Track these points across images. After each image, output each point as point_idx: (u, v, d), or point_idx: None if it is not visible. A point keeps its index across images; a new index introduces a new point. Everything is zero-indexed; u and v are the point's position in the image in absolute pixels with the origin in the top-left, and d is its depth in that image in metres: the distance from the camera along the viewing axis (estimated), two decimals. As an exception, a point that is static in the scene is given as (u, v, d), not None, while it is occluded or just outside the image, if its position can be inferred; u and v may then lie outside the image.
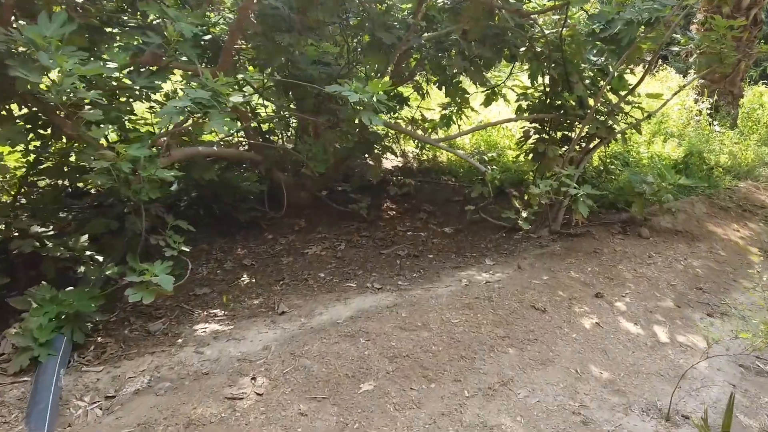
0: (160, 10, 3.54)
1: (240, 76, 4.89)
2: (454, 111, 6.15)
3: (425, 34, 4.78)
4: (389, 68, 4.85)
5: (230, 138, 5.29)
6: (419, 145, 7.20)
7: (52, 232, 3.90)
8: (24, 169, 4.16)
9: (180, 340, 3.40)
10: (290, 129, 5.78)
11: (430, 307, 3.73)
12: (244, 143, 5.24)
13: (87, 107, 3.19)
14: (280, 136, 5.59)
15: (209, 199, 5.20)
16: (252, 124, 5.18)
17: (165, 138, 3.49)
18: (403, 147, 8.09)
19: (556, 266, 4.48)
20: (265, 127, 5.46)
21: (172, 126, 3.42)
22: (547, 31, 4.93)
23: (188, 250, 3.78)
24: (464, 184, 6.45)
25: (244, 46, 4.98)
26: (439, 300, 3.84)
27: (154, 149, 3.39)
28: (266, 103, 5.62)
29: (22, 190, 4.24)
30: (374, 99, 3.71)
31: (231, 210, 5.19)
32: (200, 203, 5.49)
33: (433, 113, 7.85)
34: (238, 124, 3.34)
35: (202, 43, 4.69)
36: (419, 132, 6.07)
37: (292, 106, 5.27)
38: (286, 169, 5.48)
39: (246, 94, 4.54)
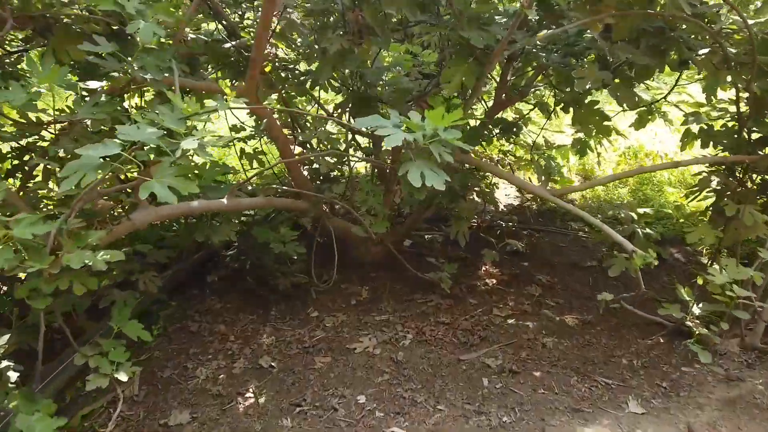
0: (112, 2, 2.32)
1: (274, 98, 3.61)
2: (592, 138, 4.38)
3: (542, 32, 3.14)
4: (483, 82, 3.26)
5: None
6: (540, 175, 5.39)
7: None
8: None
9: None
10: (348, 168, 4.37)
11: None
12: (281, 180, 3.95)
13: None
14: (337, 175, 4.20)
15: (243, 254, 4.00)
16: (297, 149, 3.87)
17: (85, 204, 2.25)
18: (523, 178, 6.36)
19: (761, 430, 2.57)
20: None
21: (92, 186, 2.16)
22: (751, 21, 3.01)
23: (132, 375, 2.52)
24: (602, 244, 4.59)
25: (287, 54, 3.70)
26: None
27: (74, 220, 2.16)
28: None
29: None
30: (437, 139, 2.19)
31: (268, 273, 3.92)
32: (233, 262, 4.32)
33: (558, 137, 6.07)
34: (196, 187, 1.97)
35: (230, 50, 3.47)
36: (528, 178, 4.37)
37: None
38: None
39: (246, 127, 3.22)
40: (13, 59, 3.68)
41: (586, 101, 3.45)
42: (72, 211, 2.08)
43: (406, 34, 4.14)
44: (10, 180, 3.61)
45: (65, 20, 2.83)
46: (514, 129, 4.05)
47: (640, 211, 3.68)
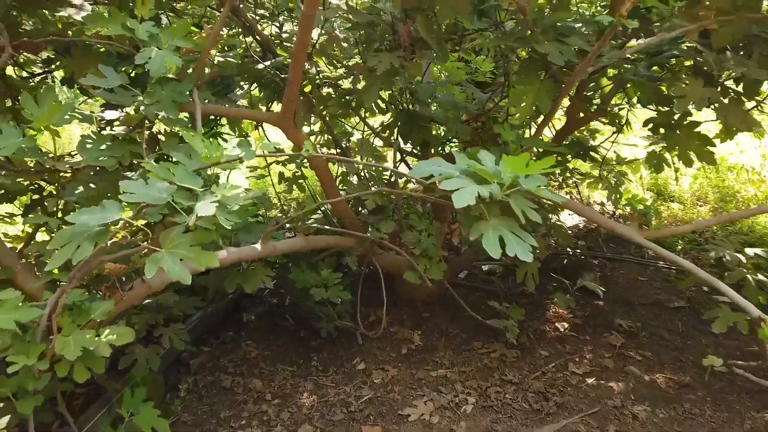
0: (117, 24, 1.92)
1: (314, 129, 3.18)
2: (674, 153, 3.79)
3: (633, 42, 2.59)
4: (559, 104, 2.73)
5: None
6: (610, 194, 4.74)
7: None
8: None
9: None
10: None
11: None
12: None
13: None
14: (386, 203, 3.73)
15: (281, 287, 3.60)
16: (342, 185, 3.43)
17: (84, 277, 1.86)
18: (588, 196, 5.77)
19: None
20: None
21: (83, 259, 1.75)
22: None
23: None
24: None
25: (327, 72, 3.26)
26: None
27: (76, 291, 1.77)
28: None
29: None
30: (517, 189, 1.71)
31: (308, 312, 3.51)
32: (271, 297, 3.94)
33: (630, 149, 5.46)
34: (217, 261, 1.55)
35: (265, 70, 3.06)
36: (601, 210, 3.81)
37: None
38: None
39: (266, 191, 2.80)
40: (35, 82, 3.41)
41: (685, 122, 2.87)
42: (63, 292, 1.68)
43: (460, 42, 3.66)
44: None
45: (86, 41, 2.49)
46: (591, 152, 3.48)
47: (750, 251, 3.06)
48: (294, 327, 3.69)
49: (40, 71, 3.43)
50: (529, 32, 2.50)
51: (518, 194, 1.73)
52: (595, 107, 3.37)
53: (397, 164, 3.92)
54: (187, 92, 2.08)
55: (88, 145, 2.02)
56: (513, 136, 2.58)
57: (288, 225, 3.39)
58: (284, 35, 3.31)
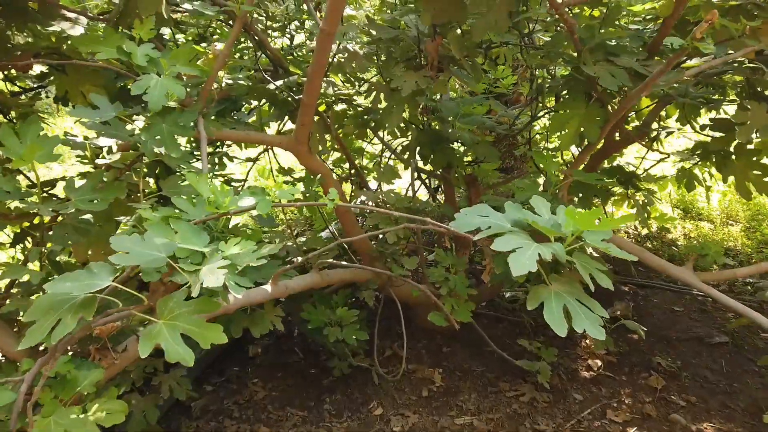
0: (111, 47, 1.65)
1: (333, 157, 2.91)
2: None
3: (693, 61, 2.30)
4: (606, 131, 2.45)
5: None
6: (638, 213, 4.36)
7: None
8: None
9: None
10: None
11: None
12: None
13: None
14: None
15: (290, 315, 3.33)
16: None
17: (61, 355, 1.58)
18: (613, 213, 5.46)
19: None
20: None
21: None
22: None
23: None
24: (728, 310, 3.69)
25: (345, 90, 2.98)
26: None
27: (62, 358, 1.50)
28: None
29: None
30: (579, 245, 1.44)
31: (320, 347, 3.24)
32: (281, 337, 3.67)
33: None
34: (223, 334, 1.28)
35: (282, 97, 2.80)
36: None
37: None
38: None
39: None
40: (28, 98, 3.17)
41: (743, 151, 2.59)
42: (41, 366, 1.41)
43: (485, 54, 3.39)
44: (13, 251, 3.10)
45: (79, 62, 2.23)
46: (633, 178, 3.20)
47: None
48: (304, 362, 3.42)
49: (32, 86, 3.18)
50: (577, 52, 2.22)
51: (584, 255, 1.45)
52: (634, 128, 3.10)
53: (413, 184, 3.65)
54: (192, 123, 1.81)
55: (78, 184, 1.75)
56: (555, 167, 2.30)
57: (299, 257, 3.11)
58: (297, 51, 3.04)
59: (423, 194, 4.74)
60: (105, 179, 1.77)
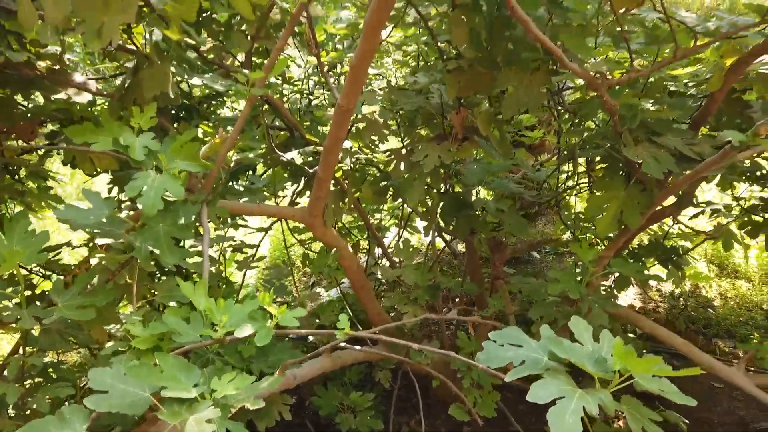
0: (107, 137, 1.51)
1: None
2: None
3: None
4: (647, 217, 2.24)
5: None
6: (671, 274, 4.06)
7: None
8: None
9: None
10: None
11: None
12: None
13: None
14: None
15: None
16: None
17: None
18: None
19: None
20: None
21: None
22: None
23: None
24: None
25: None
26: None
27: None
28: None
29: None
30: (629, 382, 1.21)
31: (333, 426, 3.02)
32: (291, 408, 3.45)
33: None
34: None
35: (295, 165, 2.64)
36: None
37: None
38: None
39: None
40: (39, 154, 3.07)
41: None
42: None
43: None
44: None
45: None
46: (674, 257, 2.97)
47: None
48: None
49: (43, 145, 3.09)
50: (616, 133, 2.02)
51: (634, 400, 1.23)
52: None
53: (434, 252, 3.46)
54: (193, 217, 1.65)
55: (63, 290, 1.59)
56: (591, 256, 2.09)
57: (311, 338, 2.93)
58: (316, 111, 2.90)
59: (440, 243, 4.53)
60: (96, 281, 1.61)
